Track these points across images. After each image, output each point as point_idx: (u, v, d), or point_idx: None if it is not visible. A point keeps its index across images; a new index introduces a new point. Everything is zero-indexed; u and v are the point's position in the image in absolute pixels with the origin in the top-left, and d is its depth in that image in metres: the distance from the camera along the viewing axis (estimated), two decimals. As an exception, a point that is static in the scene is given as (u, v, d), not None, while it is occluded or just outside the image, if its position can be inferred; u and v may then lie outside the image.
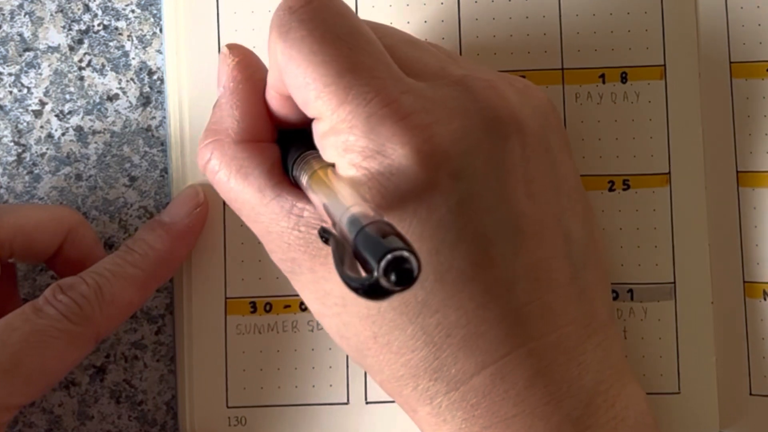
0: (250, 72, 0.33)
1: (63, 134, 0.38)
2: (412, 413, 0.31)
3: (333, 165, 0.29)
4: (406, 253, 0.23)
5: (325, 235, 0.27)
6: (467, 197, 0.28)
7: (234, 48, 0.33)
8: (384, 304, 0.29)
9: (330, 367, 0.36)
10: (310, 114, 0.30)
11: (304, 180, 0.30)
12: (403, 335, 0.29)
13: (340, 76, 0.28)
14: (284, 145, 0.33)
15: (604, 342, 0.31)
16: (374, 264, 0.23)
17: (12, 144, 0.38)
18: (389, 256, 0.23)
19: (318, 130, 0.30)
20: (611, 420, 0.30)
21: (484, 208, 0.29)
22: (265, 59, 0.37)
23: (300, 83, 0.29)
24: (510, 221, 0.29)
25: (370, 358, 0.30)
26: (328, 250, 0.29)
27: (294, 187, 0.31)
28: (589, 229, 0.32)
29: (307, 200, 0.30)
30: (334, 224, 0.27)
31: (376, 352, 0.30)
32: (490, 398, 0.29)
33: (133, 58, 0.38)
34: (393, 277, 0.23)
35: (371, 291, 0.24)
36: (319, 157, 0.30)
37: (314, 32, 0.29)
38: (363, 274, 0.24)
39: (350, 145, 0.28)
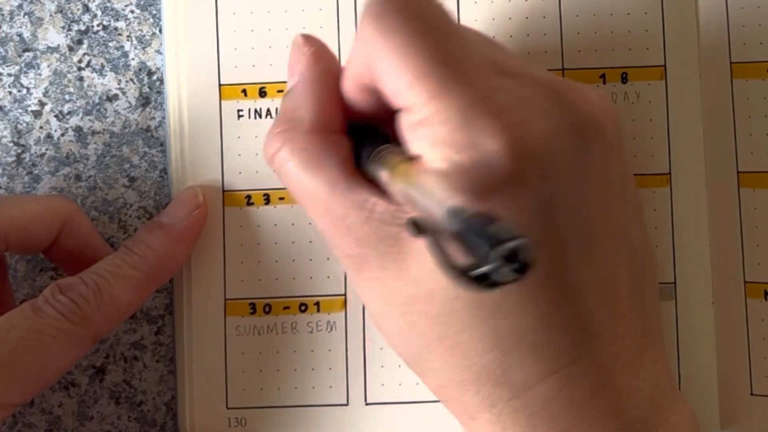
0: (325, 63, 0.33)
1: (62, 135, 0.38)
2: (468, 420, 0.30)
3: (416, 158, 0.29)
4: (523, 241, 0.22)
5: (416, 227, 0.26)
6: (551, 198, 0.28)
7: (308, 38, 0.33)
8: (457, 305, 0.28)
9: (329, 368, 0.36)
10: (399, 104, 0.29)
11: (383, 174, 0.29)
12: (472, 337, 0.29)
13: (433, 68, 0.28)
14: (353, 138, 0.32)
15: (659, 358, 0.31)
16: (489, 251, 0.22)
17: (11, 144, 0.38)
18: (510, 244, 0.22)
19: (407, 122, 0.29)
20: None
21: (565, 210, 0.28)
22: (261, 59, 0.37)
23: (392, 74, 0.29)
24: (586, 226, 0.29)
25: (432, 361, 0.30)
26: (400, 247, 0.29)
27: (366, 180, 0.30)
28: (648, 240, 0.32)
29: (380, 195, 0.30)
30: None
31: (440, 354, 0.29)
32: (552, 407, 0.28)
33: (133, 59, 0.38)
34: (515, 265, 0.22)
35: (484, 280, 0.22)
36: (395, 150, 0.30)
37: (409, 23, 0.28)
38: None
39: (442, 138, 0.28)
